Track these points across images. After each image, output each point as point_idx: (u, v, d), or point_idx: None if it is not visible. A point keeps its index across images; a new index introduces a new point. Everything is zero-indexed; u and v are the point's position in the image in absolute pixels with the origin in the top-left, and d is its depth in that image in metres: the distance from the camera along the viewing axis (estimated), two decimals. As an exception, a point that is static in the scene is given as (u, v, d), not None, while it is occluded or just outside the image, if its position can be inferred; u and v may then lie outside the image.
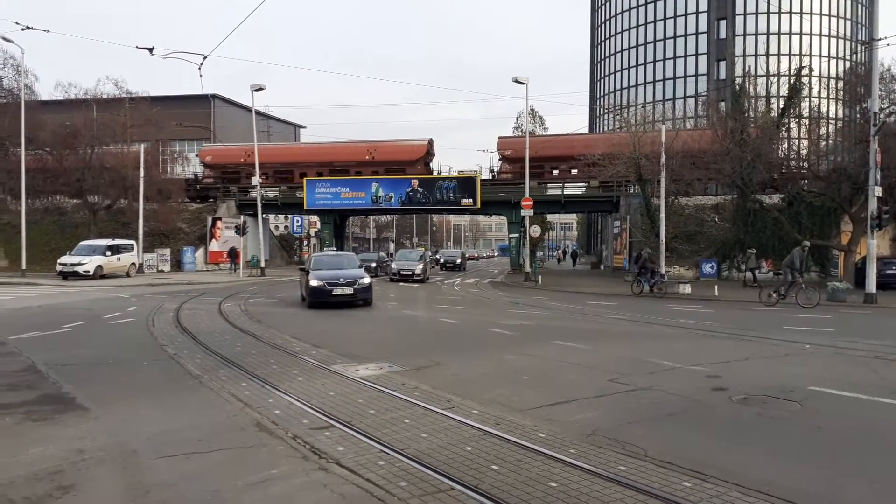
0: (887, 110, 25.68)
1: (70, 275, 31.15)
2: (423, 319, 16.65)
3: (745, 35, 70.98)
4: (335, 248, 40.92)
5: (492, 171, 50.34)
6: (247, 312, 17.28)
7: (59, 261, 32.49)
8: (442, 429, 6.28)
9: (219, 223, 43.77)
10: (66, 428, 6.43)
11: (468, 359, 10.51)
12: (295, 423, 6.47)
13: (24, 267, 33.16)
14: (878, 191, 21.74)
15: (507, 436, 6.02)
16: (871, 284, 21.43)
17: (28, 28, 24.28)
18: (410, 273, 33.46)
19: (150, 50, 20.60)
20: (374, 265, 35.34)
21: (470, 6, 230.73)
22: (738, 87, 37.14)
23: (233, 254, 38.89)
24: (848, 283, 25.53)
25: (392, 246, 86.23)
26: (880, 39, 21.88)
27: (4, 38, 31.52)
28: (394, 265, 34.76)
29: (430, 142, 48.64)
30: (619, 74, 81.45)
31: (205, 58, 21.92)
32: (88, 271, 31.37)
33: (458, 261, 49.32)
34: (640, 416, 6.88)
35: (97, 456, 5.56)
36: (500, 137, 47.61)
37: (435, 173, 49.23)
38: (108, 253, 33.28)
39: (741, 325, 15.36)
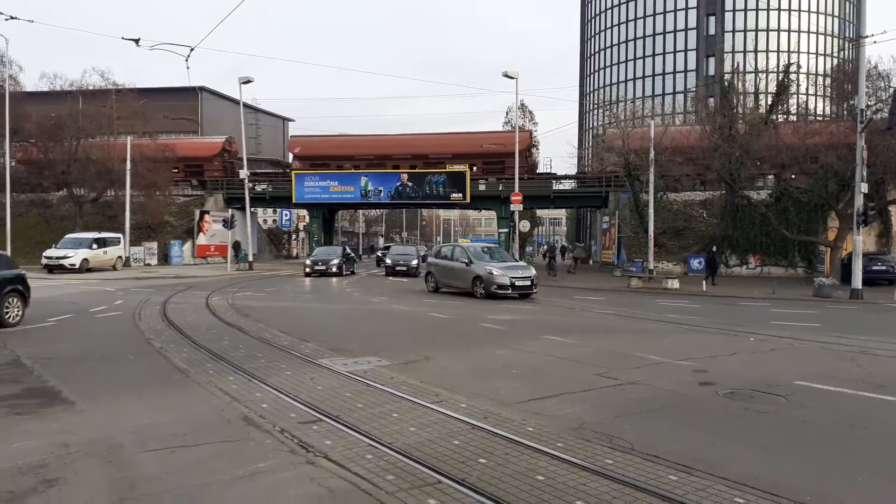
0: (874, 107, 25.86)
1: (55, 268, 30.90)
2: (413, 314, 16.63)
3: (734, 31, 71.25)
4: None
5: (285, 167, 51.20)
6: (234, 306, 17.20)
7: (44, 254, 32.22)
8: (430, 423, 6.28)
9: (206, 217, 43.53)
10: (51, 422, 6.37)
11: (457, 353, 10.52)
12: (283, 417, 6.44)
13: (8, 260, 32.83)
14: (864, 187, 21.92)
15: (495, 429, 6.02)
16: (857, 280, 21.62)
17: (12, 18, 23.94)
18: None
19: (136, 41, 20.40)
20: None
21: (462, 2, 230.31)
22: (726, 83, 37.31)
23: (237, 246, 38.93)
24: (834, 278, 25.78)
25: (381, 240, 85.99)
26: (867, 37, 22.03)
27: (-11, 28, 31.17)
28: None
29: (230, 139, 49.44)
30: (608, 70, 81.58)
31: (192, 49, 21.79)
32: (74, 265, 31.12)
33: (414, 262, 34.36)
34: (627, 410, 6.91)
35: (82, 450, 5.51)
36: (292, 136, 49.23)
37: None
38: (95, 246, 33.02)
39: (728, 320, 15.46)
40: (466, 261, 21.27)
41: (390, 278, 31.93)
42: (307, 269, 31.68)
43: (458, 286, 21.67)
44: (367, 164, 47.21)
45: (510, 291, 19.76)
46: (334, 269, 31.68)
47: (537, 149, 54.25)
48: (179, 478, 4.92)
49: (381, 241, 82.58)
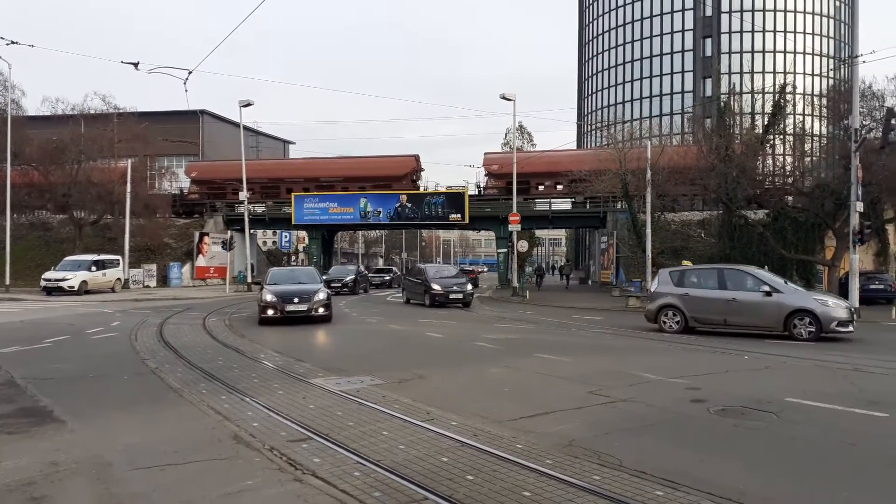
0: (868, 126, 26.04)
1: (54, 290, 30.93)
2: (409, 333, 16.64)
3: (730, 53, 71.89)
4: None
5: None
6: (231, 327, 17.21)
7: (43, 276, 32.26)
8: (420, 440, 6.29)
9: (206, 238, 43.63)
10: (42, 441, 6.39)
11: (451, 372, 10.52)
12: (272, 436, 6.46)
13: (7, 282, 32.90)
14: (859, 206, 21.99)
15: (484, 447, 6.03)
16: (854, 299, 21.62)
17: (13, 43, 24.26)
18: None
19: (136, 65, 20.63)
20: None
21: (460, 24, 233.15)
22: (723, 104, 37.58)
23: (252, 268, 39.52)
24: (832, 297, 25.72)
25: (381, 261, 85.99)
26: (859, 56, 22.26)
27: (-9, 54, 31.53)
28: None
29: (142, 159, 49.10)
30: (606, 91, 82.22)
31: (189, 73, 21.99)
32: (73, 287, 31.15)
33: (469, 288, 27.70)
34: (617, 427, 6.91)
35: (71, 468, 5.53)
36: (189, 162, 50.74)
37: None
38: (94, 268, 33.07)
39: (724, 338, 15.43)
40: (766, 290, 15.65)
41: (436, 310, 24.48)
42: (269, 311, 17.82)
43: (742, 323, 16.10)
44: (262, 187, 48.51)
45: (851, 329, 15.28)
46: (321, 311, 18.30)
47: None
48: (165, 495, 4.94)
49: (381, 262, 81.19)
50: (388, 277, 47.81)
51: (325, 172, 48.82)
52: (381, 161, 49.29)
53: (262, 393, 8.45)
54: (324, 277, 25.13)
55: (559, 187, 45.31)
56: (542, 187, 46.29)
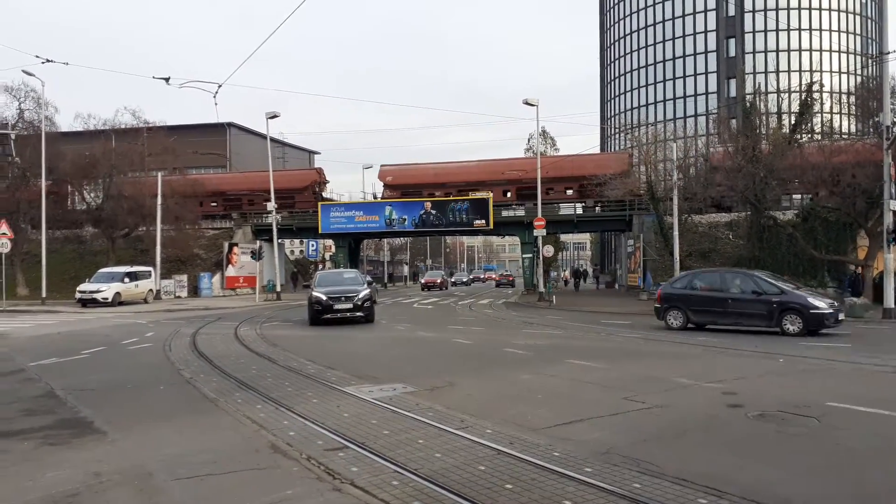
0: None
1: (89, 302, 31.48)
2: (437, 340, 16.63)
3: (754, 53, 71.10)
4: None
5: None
6: (262, 336, 17.37)
7: (78, 288, 32.85)
8: (456, 448, 6.28)
9: (235, 249, 44.19)
10: (83, 451, 6.50)
11: (482, 379, 10.49)
12: (309, 445, 6.49)
13: (44, 295, 33.58)
14: (893, 205, 21.55)
15: (522, 455, 6.00)
16: (890, 299, 21.19)
17: (48, 61, 24.90)
18: None
19: (167, 80, 21.04)
20: None
21: (482, 32, 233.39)
22: (748, 104, 37.15)
23: (294, 277, 39.69)
24: (866, 298, 25.24)
25: (406, 268, 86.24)
26: (889, 53, 21.87)
27: (26, 72, 32.32)
28: None
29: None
30: (629, 94, 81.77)
31: (219, 86, 22.35)
32: (107, 298, 31.68)
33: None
34: (655, 433, 6.83)
35: (113, 478, 5.60)
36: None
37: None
38: (127, 280, 33.62)
39: (757, 341, 15.21)
40: None
41: None
42: None
43: None
44: (174, 203, 48.52)
45: None
46: None
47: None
48: (208, 505, 4.99)
49: (406, 269, 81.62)
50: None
51: (229, 187, 50.21)
52: (284, 175, 50.51)
53: (297, 402, 8.50)
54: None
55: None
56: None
